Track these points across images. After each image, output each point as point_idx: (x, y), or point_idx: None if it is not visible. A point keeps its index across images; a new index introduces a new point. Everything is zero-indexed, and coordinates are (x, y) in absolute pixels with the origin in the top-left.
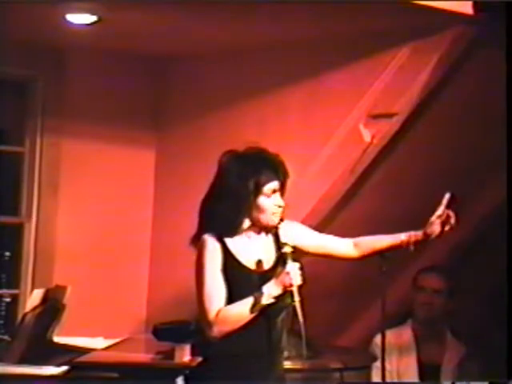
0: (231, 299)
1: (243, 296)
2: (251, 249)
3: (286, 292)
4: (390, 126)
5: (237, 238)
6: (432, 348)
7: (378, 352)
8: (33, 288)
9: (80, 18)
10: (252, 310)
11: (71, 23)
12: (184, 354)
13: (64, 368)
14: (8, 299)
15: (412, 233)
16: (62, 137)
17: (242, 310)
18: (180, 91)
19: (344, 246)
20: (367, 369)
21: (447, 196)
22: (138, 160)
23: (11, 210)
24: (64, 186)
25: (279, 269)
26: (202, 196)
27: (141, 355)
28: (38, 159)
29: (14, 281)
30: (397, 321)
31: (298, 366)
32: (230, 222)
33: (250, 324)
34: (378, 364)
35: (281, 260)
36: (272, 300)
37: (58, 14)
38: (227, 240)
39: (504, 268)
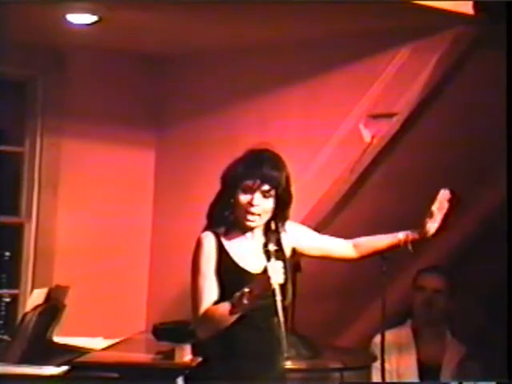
0: (225, 300)
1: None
2: (248, 250)
3: (268, 291)
4: (390, 126)
5: (234, 238)
6: (432, 348)
7: (378, 352)
8: (33, 288)
9: (80, 18)
10: (233, 310)
11: (71, 23)
12: (184, 354)
13: (64, 368)
14: (8, 299)
15: (409, 232)
16: (62, 137)
17: (223, 310)
18: (180, 91)
19: (344, 248)
20: (367, 369)
21: (441, 192)
22: (138, 160)
23: (11, 210)
24: (64, 186)
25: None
26: (201, 196)
27: (141, 355)
28: (37, 159)
29: (14, 281)
30: (397, 321)
31: (297, 366)
32: (219, 213)
33: (250, 324)
34: (377, 364)
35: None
36: (253, 300)
37: (58, 13)
38: (224, 239)
39: (504, 268)
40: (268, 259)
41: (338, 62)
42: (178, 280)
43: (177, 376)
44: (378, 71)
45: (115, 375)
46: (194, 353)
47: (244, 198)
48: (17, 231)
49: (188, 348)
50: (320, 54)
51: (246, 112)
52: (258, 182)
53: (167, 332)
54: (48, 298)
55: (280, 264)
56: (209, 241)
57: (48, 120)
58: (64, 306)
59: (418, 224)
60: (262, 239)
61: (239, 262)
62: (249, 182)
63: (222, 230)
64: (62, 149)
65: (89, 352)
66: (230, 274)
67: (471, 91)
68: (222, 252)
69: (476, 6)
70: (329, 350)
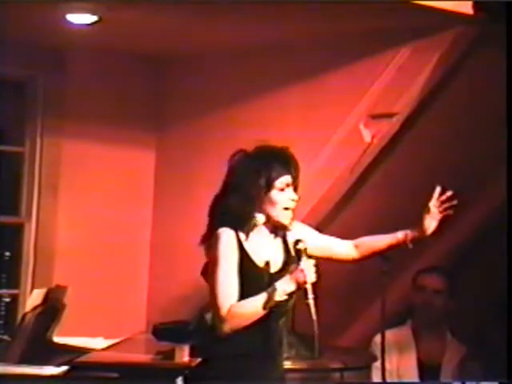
0: (242, 296)
1: (253, 294)
2: (263, 248)
3: (300, 289)
4: (390, 126)
5: (250, 236)
6: (432, 348)
7: (378, 352)
8: (33, 288)
9: (80, 18)
10: (265, 306)
11: (71, 23)
12: (184, 354)
13: (64, 368)
14: (8, 299)
15: (408, 231)
16: (62, 137)
17: (255, 306)
18: (180, 91)
19: (346, 248)
20: (367, 369)
21: (437, 190)
22: (138, 160)
23: (11, 210)
24: (64, 186)
25: (293, 265)
26: (201, 196)
27: (141, 355)
28: (38, 159)
29: (13, 281)
30: (397, 321)
31: (297, 366)
32: (243, 214)
33: (254, 325)
34: (377, 364)
35: (289, 261)
36: (285, 297)
37: (58, 14)
38: (242, 237)
39: (504, 268)
40: (299, 258)
41: (338, 62)
42: (178, 280)
43: (177, 376)
44: (378, 71)
45: (115, 375)
46: (194, 353)
47: (283, 196)
48: (17, 231)
49: (188, 348)
50: (320, 53)
51: (246, 112)
52: (292, 178)
53: (167, 332)
54: (46, 298)
55: (312, 262)
56: (227, 236)
57: (48, 120)
58: (64, 306)
59: (417, 224)
60: (274, 239)
61: (256, 259)
62: (286, 179)
63: (242, 227)
64: (62, 149)
65: (89, 352)
66: (247, 270)
67: (471, 91)
68: (240, 248)
69: (476, 5)
70: (329, 350)
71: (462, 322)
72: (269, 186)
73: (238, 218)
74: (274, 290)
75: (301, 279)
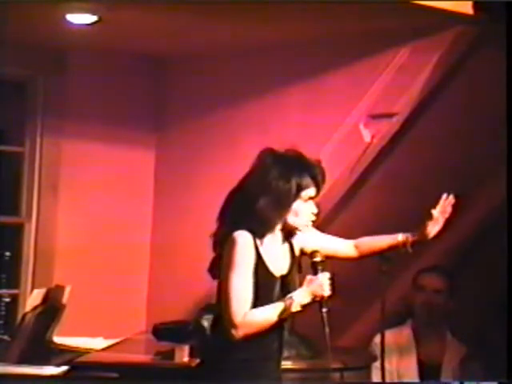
0: (255, 303)
1: (265, 300)
2: (274, 254)
3: (314, 302)
4: (390, 126)
5: (265, 242)
6: (432, 348)
7: (378, 352)
8: (33, 288)
9: (80, 18)
10: (280, 316)
11: (71, 23)
12: (184, 354)
13: (64, 368)
14: (8, 299)
15: (409, 234)
16: (62, 137)
17: (270, 315)
18: (180, 91)
19: (345, 248)
20: (367, 369)
21: (444, 197)
22: (138, 160)
23: (11, 210)
24: (64, 186)
25: (308, 277)
26: (201, 196)
27: (141, 355)
28: (38, 159)
29: (13, 281)
30: (397, 321)
31: (297, 366)
32: (267, 220)
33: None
34: (377, 364)
35: (294, 263)
36: (300, 308)
37: (58, 14)
38: (258, 242)
39: (504, 268)
40: (315, 271)
41: (338, 61)
42: (178, 280)
43: (177, 376)
44: (378, 71)
45: (115, 375)
46: (192, 354)
47: (305, 207)
48: (17, 231)
49: (187, 348)
50: (320, 53)
51: (246, 112)
52: (316, 193)
53: (167, 332)
54: (46, 298)
55: (327, 275)
56: (244, 240)
57: (48, 120)
58: (64, 306)
59: (417, 224)
60: (282, 244)
61: (269, 265)
62: (312, 192)
63: (260, 231)
64: (62, 149)
65: (89, 352)
66: (262, 277)
67: (471, 91)
68: (257, 254)
69: (476, 5)
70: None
71: (462, 322)
72: (296, 195)
73: (261, 221)
74: (292, 301)
75: (318, 293)
